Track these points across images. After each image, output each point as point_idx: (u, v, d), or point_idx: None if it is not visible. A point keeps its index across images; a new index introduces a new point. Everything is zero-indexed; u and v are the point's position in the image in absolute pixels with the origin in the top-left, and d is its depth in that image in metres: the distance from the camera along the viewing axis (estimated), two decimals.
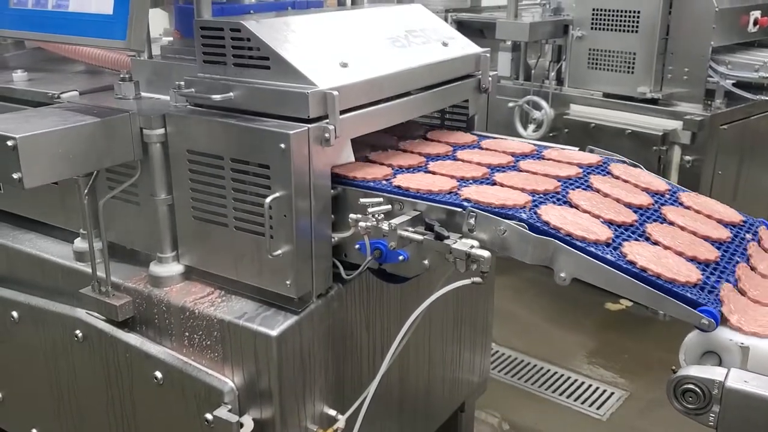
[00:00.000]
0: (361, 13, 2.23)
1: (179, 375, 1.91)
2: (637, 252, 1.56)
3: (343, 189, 1.89)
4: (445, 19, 4.91)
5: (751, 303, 1.55)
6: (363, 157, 2.06)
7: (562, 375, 3.55)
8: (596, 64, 4.14)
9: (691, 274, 1.53)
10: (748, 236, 1.85)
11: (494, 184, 1.89)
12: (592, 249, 1.55)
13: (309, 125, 1.73)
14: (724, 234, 1.81)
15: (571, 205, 1.76)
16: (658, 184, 2.01)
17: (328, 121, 1.76)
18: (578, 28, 4.15)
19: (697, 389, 1.36)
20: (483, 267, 1.55)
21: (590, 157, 2.12)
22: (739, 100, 3.89)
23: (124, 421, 2.10)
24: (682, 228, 1.77)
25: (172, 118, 1.88)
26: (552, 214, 1.65)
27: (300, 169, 1.73)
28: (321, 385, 1.95)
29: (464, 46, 2.35)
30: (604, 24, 4.05)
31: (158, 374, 1.94)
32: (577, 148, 2.23)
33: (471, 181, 1.90)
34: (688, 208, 1.92)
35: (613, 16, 3.99)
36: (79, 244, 2.15)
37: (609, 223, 1.70)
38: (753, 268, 1.72)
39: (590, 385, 3.48)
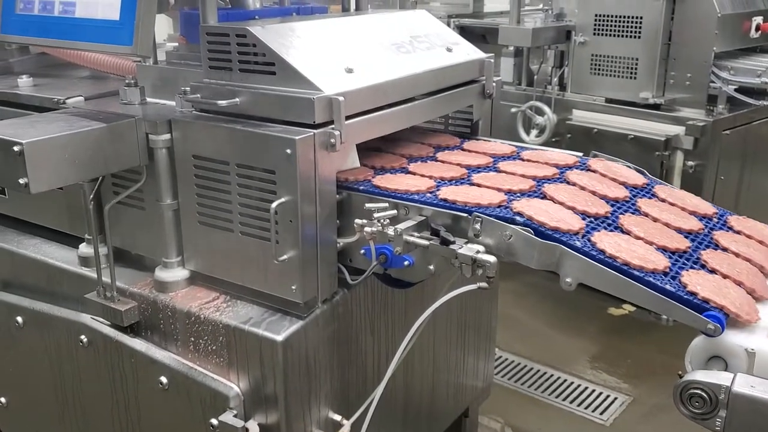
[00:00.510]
0: (365, 18, 2.24)
1: (184, 380, 1.91)
2: (600, 238, 1.57)
3: (348, 194, 1.90)
4: (448, 25, 4.92)
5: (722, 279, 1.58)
6: (380, 167, 2.07)
7: (565, 380, 3.55)
8: (599, 69, 4.14)
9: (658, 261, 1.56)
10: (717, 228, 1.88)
11: (472, 183, 1.92)
12: (596, 254, 1.55)
13: (315, 131, 1.74)
14: (696, 225, 1.83)
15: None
16: (705, 207, 2.00)
17: (333, 126, 1.77)
18: (581, 33, 4.16)
19: (703, 394, 1.36)
20: (489, 272, 1.55)
21: (636, 177, 2.11)
22: (742, 105, 3.89)
23: (129, 426, 2.10)
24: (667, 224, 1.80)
25: (178, 124, 1.88)
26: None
27: (306, 174, 1.73)
28: (326, 390, 1.95)
29: (468, 52, 2.35)
30: (606, 30, 4.05)
31: (163, 379, 1.94)
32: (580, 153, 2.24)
33: (449, 182, 1.93)
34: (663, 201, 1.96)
35: (615, 21, 4.00)
36: (84, 249, 2.15)
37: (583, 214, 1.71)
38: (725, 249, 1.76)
39: (593, 390, 3.47)
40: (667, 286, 1.50)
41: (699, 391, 1.37)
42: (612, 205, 1.85)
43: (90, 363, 2.09)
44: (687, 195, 2.07)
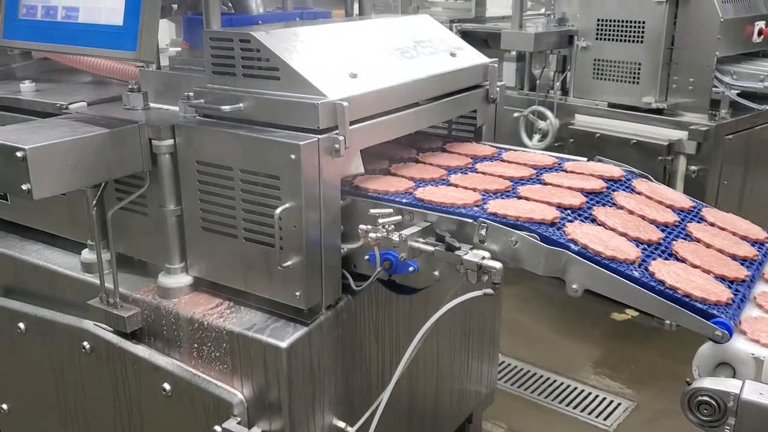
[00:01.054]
0: (369, 23, 2.24)
1: (188, 387, 1.90)
2: (658, 267, 1.55)
3: (353, 199, 1.89)
4: (450, 29, 4.92)
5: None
6: (383, 169, 2.06)
7: (568, 385, 3.53)
8: (601, 74, 4.14)
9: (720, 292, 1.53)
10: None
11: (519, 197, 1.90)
12: (602, 260, 1.54)
13: (319, 136, 1.73)
14: (749, 251, 1.79)
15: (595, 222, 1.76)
16: (681, 200, 2.00)
17: (337, 131, 1.76)
18: (583, 38, 4.15)
19: (712, 401, 1.35)
20: (494, 278, 1.55)
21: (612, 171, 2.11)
22: (744, 110, 3.88)
23: None
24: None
25: (182, 129, 1.87)
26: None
27: (310, 179, 1.72)
28: (330, 396, 1.94)
29: (472, 57, 2.35)
30: (609, 34, 4.05)
31: (167, 386, 1.93)
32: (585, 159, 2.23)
33: (494, 195, 1.91)
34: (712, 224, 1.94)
35: (618, 26, 4.00)
36: (87, 255, 2.15)
37: (636, 241, 1.69)
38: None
39: (597, 396, 3.45)
40: (622, 268, 1.51)
41: (707, 399, 1.35)
42: (663, 231, 1.81)
43: (92, 369, 2.08)
44: (735, 218, 2.02)
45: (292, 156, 1.70)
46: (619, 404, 3.39)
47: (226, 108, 1.81)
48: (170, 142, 1.88)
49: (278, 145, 1.72)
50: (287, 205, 1.72)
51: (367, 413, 1.92)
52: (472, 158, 2.20)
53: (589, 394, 3.47)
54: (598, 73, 4.16)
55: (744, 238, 1.88)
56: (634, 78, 4.00)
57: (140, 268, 2.11)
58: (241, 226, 1.84)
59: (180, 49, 2.21)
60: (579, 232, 1.64)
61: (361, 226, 1.76)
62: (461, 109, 2.30)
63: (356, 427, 1.94)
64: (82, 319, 2.09)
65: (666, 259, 1.65)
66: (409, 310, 2.18)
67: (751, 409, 1.33)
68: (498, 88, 2.38)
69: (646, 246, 1.68)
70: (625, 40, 3.99)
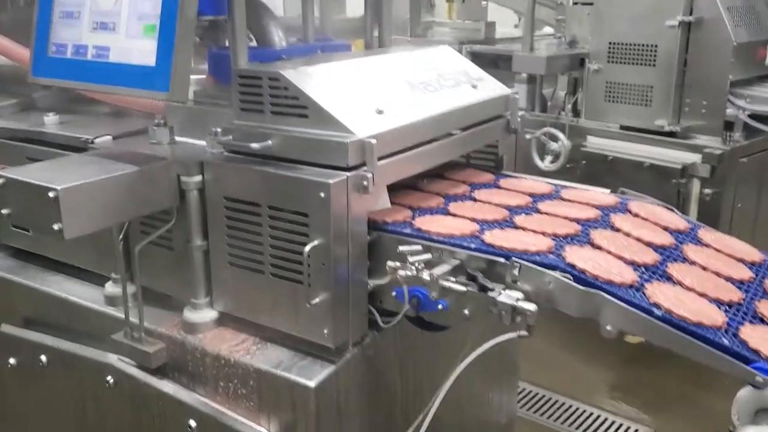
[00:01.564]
0: (392, 57, 2.24)
1: (214, 424, 1.89)
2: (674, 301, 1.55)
3: (379, 235, 1.89)
4: (460, 51, 4.93)
5: None
6: (440, 208, 2.07)
7: (585, 411, 3.52)
8: (613, 96, 4.14)
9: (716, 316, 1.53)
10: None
11: (516, 227, 1.90)
12: (635, 300, 1.54)
13: (348, 173, 1.73)
14: (746, 274, 1.80)
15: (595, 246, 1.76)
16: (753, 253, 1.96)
17: (366, 168, 1.76)
18: (594, 61, 4.16)
19: None
20: (529, 320, 1.54)
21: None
22: (758, 133, 3.88)
23: None
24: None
25: (210, 166, 1.88)
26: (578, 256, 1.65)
27: (339, 217, 1.72)
28: None
29: (493, 88, 2.35)
30: (620, 57, 4.05)
31: (192, 423, 1.92)
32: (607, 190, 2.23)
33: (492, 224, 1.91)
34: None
35: (629, 49, 4.00)
36: (111, 288, 2.14)
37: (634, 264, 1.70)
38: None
39: (614, 422, 3.44)
40: (655, 310, 1.50)
41: None
42: (660, 253, 1.82)
43: (116, 404, 2.07)
44: (733, 240, 2.02)
45: (322, 194, 1.70)
46: (637, 430, 3.37)
47: (256, 146, 1.81)
48: (198, 178, 1.88)
49: (307, 183, 1.72)
50: (316, 243, 1.72)
51: None
52: (530, 195, 2.17)
53: (606, 419, 3.46)
54: (610, 96, 4.16)
55: (741, 260, 1.89)
56: (646, 101, 4.00)
57: (164, 302, 2.11)
58: (268, 263, 1.84)
59: (204, 80, 2.21)
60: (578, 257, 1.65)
61: (389, 263, 1.76)
62: (484, 140, 2.31)
63: None
64: (105, 353, 2.08)
65: (663, 282, 1.67)
66: (434, 345, 2.17)
67: None
68: (519, 119, 2.39)
69: (643, 269, 1.69)
70: (637, 63, 4.00)
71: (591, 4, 4.15)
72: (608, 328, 1.53)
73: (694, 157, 3.80)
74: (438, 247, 1.78)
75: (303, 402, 1.77)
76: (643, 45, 3.94)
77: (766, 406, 1.39)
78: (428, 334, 1.98)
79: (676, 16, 3.73)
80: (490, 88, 2.34)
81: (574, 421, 3.44)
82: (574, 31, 4.38)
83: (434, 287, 1.66)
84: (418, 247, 1.75)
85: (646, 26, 3.88)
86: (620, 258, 1.72)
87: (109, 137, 2.09)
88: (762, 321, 1.60)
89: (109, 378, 2.06)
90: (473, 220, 1.93)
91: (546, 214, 2.00)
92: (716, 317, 1.53)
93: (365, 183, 1.75)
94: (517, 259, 1.63)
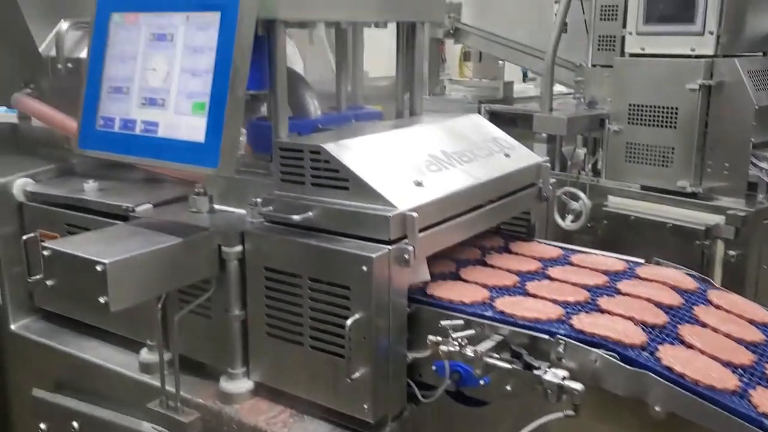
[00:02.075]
0: (425, 128, 2.28)
1: None
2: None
3: (418, 307, 1.89)
4: (479, 110, 5.01)
5: None
6: (451, 273, 2.08)
7: None
8: (634, 157, 4.16)
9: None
10: None
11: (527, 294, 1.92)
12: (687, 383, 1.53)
13: (389, 247, 1.75)
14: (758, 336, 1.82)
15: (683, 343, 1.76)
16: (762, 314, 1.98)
17: (407, 241, 1.78)
18: (615, 122, 4.20)
19: None
20: (576, 400, 1.53)
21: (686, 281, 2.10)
22: None
23: None
24: None
25: (251, 236, 1.90)
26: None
27: (381, 290, 1.73)
28: None
29: (525, 156, 2.38)
30: (641, 119, 4.09)
31: None
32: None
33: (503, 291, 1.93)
34: None
35: (650, 111, 4.04)
36: (146, 355, 2.15)
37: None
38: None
39: None
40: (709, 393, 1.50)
41: None
42: (670, 315, 1.85)
43: None
44: (742, 301, 2.04)
45: (364, 268, 1.71)
46: None
47: (297, 217, 1.84)
48: (239, 248, 1.90)
49: (350, 257, 1.74)
50: (357, 316, 1.73)
51: None
52: (540, 260, 2.19)
53: None
54: (630, 156, 4.18)
55: (751, 321, 1.90)
56: (667, 162, 4.03)
57: (198, 370, 2.10)
58: (308, 334, 1.85)
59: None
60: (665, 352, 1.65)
61: (430, 337, 1.76)
62: (517, 209, 2.33)
63: None
64: (140, 421, 2.07)
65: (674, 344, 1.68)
66: (473, 419, 2.15)
67: None
68: (551, 186, 2.41)
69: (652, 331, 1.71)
70: (657, 125, 4.03)
71: (610, 66, 4.21)
72: (657, 408, 1.51)
73: (718, 219, 3.80)
74: (479, 322, 1.78)
75: None
76: (663, 107, 3.98)
77: None
78: (467, 409, 1.97)
79: (696, 80, 3.78)
80: (522, 156, 2.37)
81: None
82: (593, 92, 4.43)
83: (478, 364, 1.66)
84: (460, 322, 1.75)
85: (667, 89, 3.93)
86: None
87: (149, 205, 2.13)
88: None
89: None
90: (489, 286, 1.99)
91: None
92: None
93: (406, 256, 1.77)
94: (561, 337, 1.63)
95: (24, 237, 2.32)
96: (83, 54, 2.57)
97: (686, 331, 1.76)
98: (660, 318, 1.80)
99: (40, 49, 2.71)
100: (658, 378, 1.51)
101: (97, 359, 2.25)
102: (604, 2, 4.23)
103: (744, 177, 3.81)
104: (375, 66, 3.95)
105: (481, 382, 1.72)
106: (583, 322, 1.72)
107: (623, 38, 4.11)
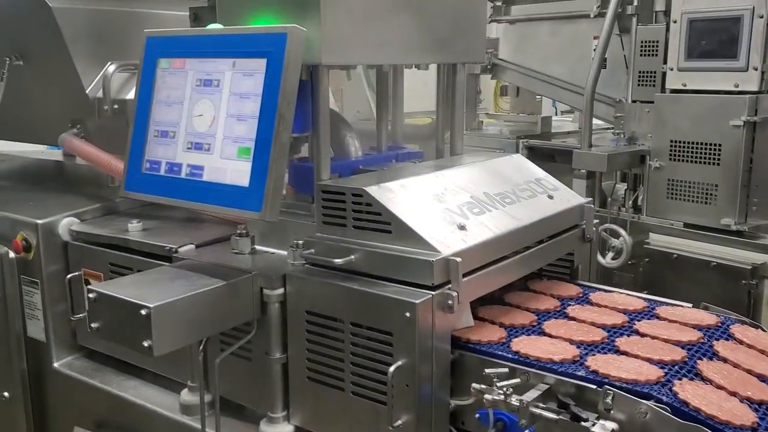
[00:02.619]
0: (467, 169, 2.26)
1: None
2: None
3: (461, 354, 1.86)
4: (516, 147, 4.99)
5: None
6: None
7: None
8: (676, 194, 4.09)
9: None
10: None
11: (618, 351, 1.84)
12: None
13: (433, 293, 1.73)
14: None
15: (704, 380, 1.70)
16: None
17: (450, 287, 1.76)
18: (656, 158, 4.14)
19: None
20: None
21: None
22: None
23: None
24: None
25: (293, 279, 1.90)
26: (691, 392, 1.59)
27: (424, 337, 1.71)
28: None
29: (569, 198, 2.35)
30: (683, 155, 4.02)
31: None
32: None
33: (592, 347, 1.86)
34: None
35: (692, 148, 3.98)
36: (186, 396, 2.14)
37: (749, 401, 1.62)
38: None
39: None
40: None
41: None
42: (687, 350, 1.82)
43: None
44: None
45: (407, 314, 1.69)
46: None
47: (339, 261, 1.83)
48: (281, 291, 1.90)
49: (393, 302, 1.72)
50: (400, 363, 1.70)
51: None
52: (558, 299, 2.17)
53: None
54: (672, 193, 4.11)
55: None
56: (710, 199, 3.95)
57: (238, 413, 2.10)
58: (349, 380, 1.83)
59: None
60: (693, 394, 1.60)
61: (474, 385, 1.72)
62: (560, 251, 2.29)
63: None
64: None
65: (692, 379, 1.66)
66: None
67: None
68: (594, 228, 2.37)
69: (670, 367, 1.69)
70: (700, 162, 3.96)
71: (651, 102, 4.16)
72: None
73: (764, 258, 3.70)
74: (524, 369, 1.74)
75: None
76: (706, 144, 3.92)
77: None
78: None
79: (740, 116, 3.71)
80: (565, 198, 2.34)
81: None
82: (633, 128, 4.38)
83: (524, 414, 1.62)
84: (505, 370, 1.72)
85: (709, 125, 3.87)
86: (729, 391, 1.67)
87: (192, 246, 2.14)
88: None
89: None
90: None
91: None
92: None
93: (450, 302, 1.74)
94: (610, 387, 1.59)
95: (68, 276, 2.35)
96: (129, 96, 2.63)
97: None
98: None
99: (87, 91, 2.78)
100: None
101: (138, 399, 2.25)
102: (644, 38, 4.20)
103: None
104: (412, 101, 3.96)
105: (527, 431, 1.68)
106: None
107: (664, 74, 4.06)
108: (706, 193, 3.96)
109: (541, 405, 1.63)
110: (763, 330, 2.03)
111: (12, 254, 2.44)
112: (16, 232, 2.45)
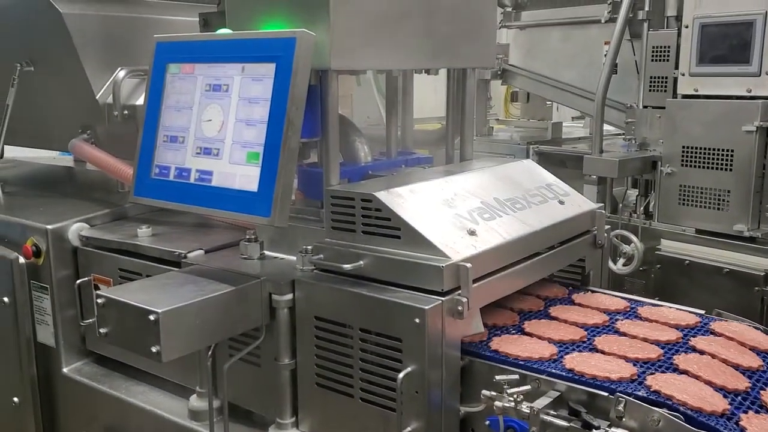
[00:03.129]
0: (477, 174, 2.25)
1: None
2: None
3: (470, 360, 1.85)
4: (527, 152, 4.97)
5: None
6: (514, 325, 2.03)
7: None
8: (687, 200, 4.06)
9: None
10: None
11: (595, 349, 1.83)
12: None
13: (442, 298, 1.71)
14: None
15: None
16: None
17: (460, 293, 1.74)
18: (668, 164, 4.11)
19: None
20: None
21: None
22: None
23: None
24: None
25: (302, 284, 1.89)
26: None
27: (434, 343, 1.70)
28: None
29: (580, 204, 2.34)
30: (695, 161, 3.99)
31: None
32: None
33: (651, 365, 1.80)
34: None
35: (704, 154, 3.94)
36: (195, 402, 2.14)
37: None
38: None
39: None
40: None
41: None
42: (750, 378, 1.75)
43: None
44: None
45: (417, 320, 1.68)
46: None
47: (348, 266, 1.82)
48: (290, 296, 1.89)
49: (402, 308, 1.71)
50: (409, 369, 1.69)
51: None
52: (608, 314, 2.10)
53: None
54: (684, 199, 4.08)
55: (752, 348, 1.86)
56: (723, 205, 3.91)
57: (247, 419, 2.09)
58: (358, 386, 1.81)
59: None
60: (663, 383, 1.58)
61: (484, 392, 1.70)
62: (571, 257, 2.27)
63: None
64: None
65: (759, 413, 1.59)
66: None
67: None
68: (606, 234, 2.35)
69: (734, 396, 1.63)
70: (712, 168, 3.93)
71: (662, 107, 4.14)
72: None
73: None
74: (535, 377, 1.72)
75: None
76: (718, 149, 3.88)
77: None
78: None
79: (753, 122, 3.68)
80: (576, 203, 2.32)
81: None
82: (645, 133, 4.36)
83: (534, 421, 1.60)
84: (515, 377, 1.70)
85: (721, 131, 3.84)
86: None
87: (201, 251, 2.13)
88: None
89: None
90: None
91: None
92: None
93: (460, 308, 1.73)
94: (622, 395, 1.56)
95: (78, 281, 2.35)
96: (139, 101, 2.63)
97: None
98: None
99: (97, 96, 2.78)
100: None
101: (147, 405, 2.25)
102: (656, 43, 4.18)
103: None
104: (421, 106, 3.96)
105: None
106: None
107: (675, 79, 4.04)
108: (719, 199, 3.92)
109: (551, 412, 1.61)
110: None
111: (22, 259, 2.45)
112: (26, 238, 2.45)
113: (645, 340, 1.91)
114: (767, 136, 3.74)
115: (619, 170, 4.11)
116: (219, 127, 1.83)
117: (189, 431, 2.11)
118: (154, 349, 1.65)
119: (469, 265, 1.74)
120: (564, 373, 1.72)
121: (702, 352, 1.85)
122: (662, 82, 4.19)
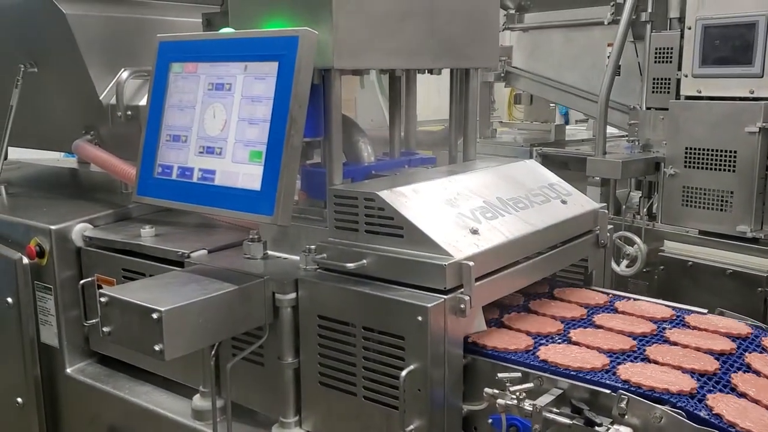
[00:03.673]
0: (480, 174, 2.25)
1: None
2: None
3: (473, 358, 1.85)
4: (530, 154, 4.97)
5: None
6: (493, 319, 2.02)
7: None
8: (691, 201, 4.06)
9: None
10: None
11: (648, 360, 1.80)
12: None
13: (445, 296, 1.71)
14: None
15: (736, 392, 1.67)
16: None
17: (463, 291, 1.74)
18: (671, 165, 4.10)
19: None
20: None
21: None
22: None
23: None
24: None
25: (305, 283, 1.89)
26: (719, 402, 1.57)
27: (436, 341, 1.70)
28: None
29: (582, 203, 2.34)
30: (698, 162, 3.99)
31: None
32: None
33: (622, 356, 1.82)
34: None
35: (707, 155, 3.94)
36: (198, 402, 2.14)
37: None
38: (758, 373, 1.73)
39: None
40: None
41: None
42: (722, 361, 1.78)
43: None
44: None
45: (419, 318, 1.68)
46: None
47: (351, 265, 1.82)
48: (293, 295, 1.89)
49: (404, 306, 1.71)
50: (412, 367, 1.69)
51: None
52: (585, 307, 2.14)
53: None
54: (687, 200, 4.08)
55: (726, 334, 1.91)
56: (726, 206, 3.91)
57: (250, 418, 2.09)
58: (361, 385, 1.81)
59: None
60: (724, 406, 1.56)
61: (487, 390, 1.70)
62: (574, 257, 2.27)
63: None
64: None
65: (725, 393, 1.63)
66: None
67: None
68: (608, 233, 2.35)
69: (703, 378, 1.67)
70: (715, 169, 3.92)
71: (665, 109, 4.14)
72: None
73: None
74: (538, 374, 1.72)
75: None
76: (721, 151, 3.88)
77: None
78: None
79: (756, 123, 3.68)
80: (579, 203, 2.32)
81: None
82: (648, 135, 4.35)
83: (537, 419, 1.60)
84: (518, 375, 1.70)
85: (724, 132, 3.83)
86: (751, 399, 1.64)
87: (204, 251, 2.14)
88: None
89: None
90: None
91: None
92: None
93: (462, 306, 1.73)
94: (624, 392, 1.56)
95: (81, 281, 2.36)
96: (142, 102, 2.64)
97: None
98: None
99: (101, 97, 2.79)
100: None
101: (150, 404, 2.25)
102: (659, 45, 4.18)
103: None
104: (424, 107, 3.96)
105: None
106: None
107: (678, 81, 4.04)
108: (722, 200, 3.92)
109: (554, 410, 1.61)
110: None
111: (26, 260, 2.45)
112: (30, 238, 2.46)
113: (698, 349, 1.86)
114: None
115: (622, 172, 4.11)
116: (222, 126, 1.83)
117: (192, 431, 2.11)
118: (157, 348, 1.65)
119: (471, 263, 1.74)
120: (563, 369, 1.72)
121: (759, 373, 1.77)
122: (665, 83, 4.19)
